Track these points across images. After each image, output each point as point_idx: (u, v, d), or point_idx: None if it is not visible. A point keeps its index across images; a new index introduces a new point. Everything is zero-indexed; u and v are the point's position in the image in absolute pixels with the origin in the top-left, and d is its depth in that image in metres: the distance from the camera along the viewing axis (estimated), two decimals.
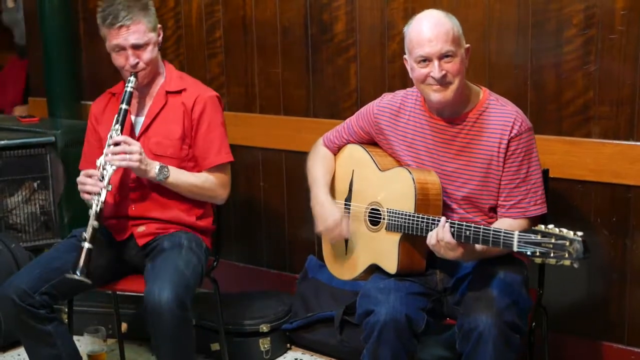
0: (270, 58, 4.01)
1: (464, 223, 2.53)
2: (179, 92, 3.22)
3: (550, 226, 2.31)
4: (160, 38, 3.21)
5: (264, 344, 3.70)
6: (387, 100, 2.95)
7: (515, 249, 2.38)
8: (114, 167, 3.03)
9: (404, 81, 2.79)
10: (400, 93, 2.93)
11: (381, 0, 3.57)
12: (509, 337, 2.53)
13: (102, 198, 2.99)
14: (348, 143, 3.04)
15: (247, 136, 4.14)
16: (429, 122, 2.81)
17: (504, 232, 2.42)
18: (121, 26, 3.07)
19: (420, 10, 2.78)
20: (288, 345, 3.85)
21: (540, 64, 3.21)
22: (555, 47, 3.17)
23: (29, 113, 5.02)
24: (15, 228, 4.24)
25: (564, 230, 2.29)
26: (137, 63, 3.12)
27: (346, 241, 2.97)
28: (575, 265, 2.27)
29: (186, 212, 3.20)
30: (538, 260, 2.32)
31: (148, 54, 3.13)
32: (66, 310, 3.41)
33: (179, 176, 3.12)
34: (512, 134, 2.68)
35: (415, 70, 2.70)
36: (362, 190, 2.92)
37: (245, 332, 3.69)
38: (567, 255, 2.26)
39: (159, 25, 3.20)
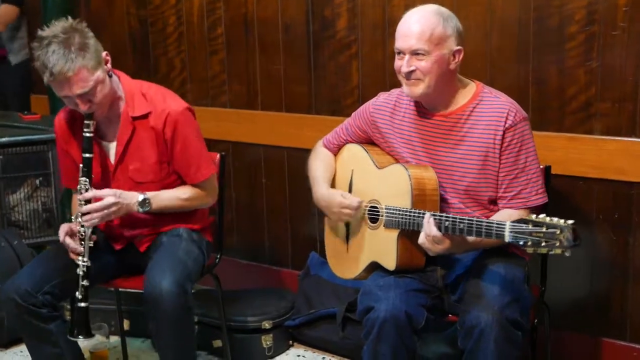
0: (271, 55, 4.00)
1: (458, 216, 2.54)
2: (145, 116, 3.03)
3: (542, 216, 2.32)
4: (109, 65, 2.96)
5: (266, 341, 3.70)
6: (382, 99, 2.96)
7: (507, 239, 2.39)
8: (91, 228, 2.94)
9: None
10: (395, 91, 2.94)
11: None
12: (511, 334, 2.53)
13: (87, 257, 2.93)
14: (347, 143, 3.04)
15: (248, 133, 4.13)
16: (424, 117, 2.82)
17: (497, 223, 2.43)
18: (61, 80, 2.82)
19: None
20: (290, 341, 3.85)
21: (542, 61, 3.20)
22: (557, 44, 3.16)
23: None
24: (18, 225, 4.25)
25: (555, 219, 2.30)
26: (90, 107, 2.91)
27: (347, 240, 2.97)
28: (567, 254, 2.28)
29: (179, 221, 3.15)
30: (530, 250, 2.34)
31: (98, 94, 2.89)
32: (69, 308, 3.41)
33: (161, 202, 3.04)
34: (506, 125, 2.68)
35: (395, 61, 2.74)
36: (362, 188, 2.92)
37: (248, 328, 3.69)
38: (558, 243, 2.28)
39: (104, 53, 2.94)
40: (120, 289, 3.54)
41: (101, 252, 3.08)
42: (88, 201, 2.95)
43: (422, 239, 2.60)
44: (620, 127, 3.08)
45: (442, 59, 2.68)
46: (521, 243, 2.34)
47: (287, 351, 3.80)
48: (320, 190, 2.98)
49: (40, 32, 2.88)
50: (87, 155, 2.96)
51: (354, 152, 3.00)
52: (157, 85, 3.17)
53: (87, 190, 2.95)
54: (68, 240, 2.97)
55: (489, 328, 2.49)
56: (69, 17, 2.94)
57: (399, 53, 2.72)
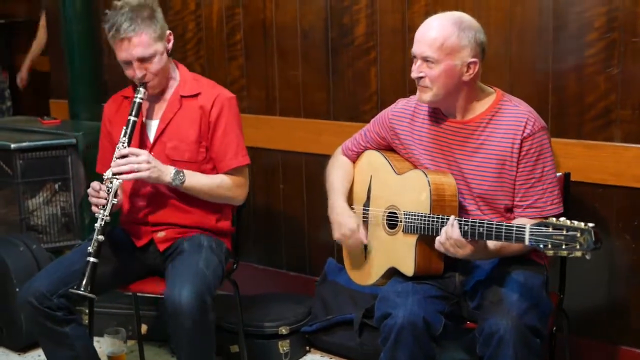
0: (290, 61, 4.01)
1: (477, 220, 2.53)
2: (195, 95, 3.16)
3: (562, 219, 2.31)
4: (170, 45, 3.13)
5: (283, 347, 3.70)
6: (401, 105, 2.96)
7: (527, 242, 2.38)
8: (121, 181, 2.98)
9: None
10: (414, 98, 2.93)
11: (402, 3, 3.57)
12: (530, 341, 2.52)
13: (107, 212, 2.95)
14: (366, 150, 3.04)
15: (267, 139, 4.14)
16: (443, 124, 2.82)
17: (516, 227, 2.43)
18: (123, 39, 3.00)
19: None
20: (307, 347, 3.85)
21: (561, 68, 3.19)
22: (576, 51, 3.15)
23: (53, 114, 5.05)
24: (37, 229, 4.27)
25: (575, 222, 2.29)
26: (145, 75, 3.06)
27: (365, 246, 2.97)
28: (587, 257, 2.27)
29: (205, 215, 3.19)
30: (550, 253, 2.32)
31: (155, 65, 3.06)
32: (87, 311, 3.42)
33: (194, 180, 3.08)
34: (524, 134, 2.68)
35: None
36: (380, 194, 2.92)
37: (265, 334, 3.69)
38: (578, 246, 2.27)
39: (168, 32, 3.12)
40: (138, 294, 3.55)
41: (121, 252, 3.11)
42: (124, 157, 2.99)
43: (442, 239, 2.59)
44: None
45: (452, 69, 2.67)
46: (541, 246, 2.34)
47: (304, 357, 3.80)
48: (337, 203, 2.98)
49: (115, 2, 3.09)
50: (133, 118, 3.04)
51: (373, 159, 3.01)
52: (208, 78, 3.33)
53: (125, 148, 3.00)
54: (95, 192, 2.98)
55: (507, 335, 2.48)
56: None
57: (413, 57, 2.74)
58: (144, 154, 3.00)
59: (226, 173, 3.17)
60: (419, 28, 2.73)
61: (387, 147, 3.01)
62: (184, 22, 4.39)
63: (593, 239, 2.25)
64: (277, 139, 4.11)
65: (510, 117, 2.72)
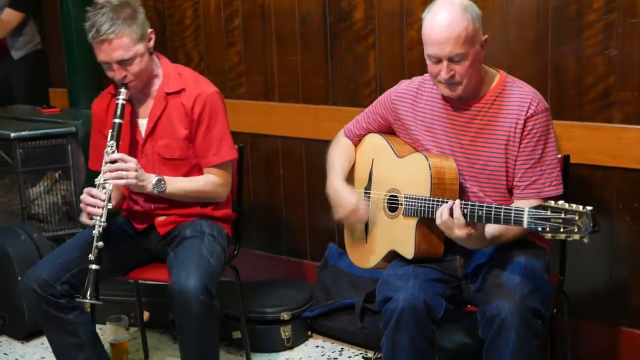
0: (288, 46, 4.01)
1: (477, 202, 2.54)
2: (178, 92, 3.13)
3: (561, 202, 2.32)
4: (152, 43, 3.09)
5: (285, 332, 3.72)
6: (404, 86, 2.95)
7: (525, 225, 2.38)
8: (113, 185, 2.97)
9: (423, 69, 2.79)
10: (417, 79, 2.93)
11: None
12: (532, 323, 2.53)
13: (104, 218, 2.95)
14: (368, 131, 3.04)
15: (266, 125, 4.14)
16: (447, 105, 2.81)
17: (515, 209, 2.43)
18: (103, 40, 2.95)
19: None
20: (309, 332, 3.86)
21: (560, 49, 3.19)
22: (575, 32, 3.14)
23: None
24: (38, 218, 4.28)
25: (574, 205, 2.29)
26: (125, 76, 3.02)
27: (366, 229, 2.97)
28: (585, 240, 2.27)
29: (202, 204, 3.19)
30: (548, 236, 2.33)
31: (136, 66, 3.01)
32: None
33: (176, 187, 3.08)
34: (528, 114, 2.68)
35: (428, 65, 2.71)
36: (381, 177, 2.93)
37: (267, 320, 3.71)
38: (576, 229, 2.27)
39: (149, 30, 3.07)
40: (140, 281, 3.56)
41: (123, 239, 3.12)
42: (113, 163, 2.98)
43: (444, 215, 2.56)
44: (639, 115, 3.06)
45: (478, 55, 2.67)
46: (540, 229, 2.34)
47: (306, 342, 3.82)
48: (334, 182, 2.98)
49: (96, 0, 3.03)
50: (118, 120, 3.02)
51: (374, 142, 3.01)
52: (192, 70, 3.27)
53: (113, 152, 2.99)
54: (89, 200, 2.98)
55: (509, 318, 2.48)
56: None
57: (432, 59, 2.67)
58: (132, 162, 2.98)
59: (208, 170, 3.17)
60: (428, 29, 2.66)
61: (389, 129, 3.00)
62: (181, 9, 4.38)
63: (591, 222, 2.25)
64: (276, 125, 4.11)
65: (515, 97, 2.72)
